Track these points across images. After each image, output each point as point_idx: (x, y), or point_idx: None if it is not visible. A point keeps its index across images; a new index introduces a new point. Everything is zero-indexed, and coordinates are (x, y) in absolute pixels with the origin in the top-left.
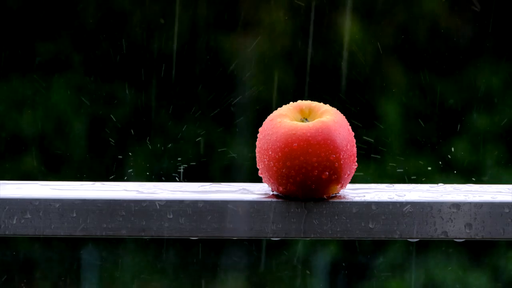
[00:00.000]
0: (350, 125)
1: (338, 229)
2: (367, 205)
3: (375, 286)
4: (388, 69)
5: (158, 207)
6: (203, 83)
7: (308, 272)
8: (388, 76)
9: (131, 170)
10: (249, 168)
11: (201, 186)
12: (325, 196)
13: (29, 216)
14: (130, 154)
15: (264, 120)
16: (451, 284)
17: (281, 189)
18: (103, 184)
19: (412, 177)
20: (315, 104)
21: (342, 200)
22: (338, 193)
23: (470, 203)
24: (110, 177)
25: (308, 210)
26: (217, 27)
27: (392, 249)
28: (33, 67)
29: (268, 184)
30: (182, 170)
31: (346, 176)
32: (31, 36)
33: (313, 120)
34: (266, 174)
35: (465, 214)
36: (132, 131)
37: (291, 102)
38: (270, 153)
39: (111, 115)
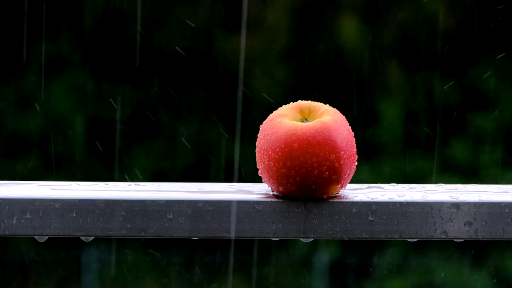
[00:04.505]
0: (349, 125)
1: (338, 229)
2: (367, 205)
3: (375, 286)
4: (387, 69)
5: (158, 207)
6: (203, 83)
7: (308, 272)
8: (388, 76)
9: (131, 170)
10: (249, 168)
11: (201, 186)
12: (325, 196)
13: (29, 216)
14: (130, 154)
15: (264, 120)
16: (451, 284)
17: (281, 189)
18: (104, 184)
19: (412, 177)
20: (315, 104)
21: (342, 200)
22: (338, 193)
23: (470, 203)
24: (110, 177)
25: (308, 210)
26: (218, 27)
27: (392, 249)
28: (33, 66)
29: (268, 184)
30: (182, 170)
31: (346, 176)
32: (32, 36)
33: (313, 120)
34: (266, 174)
35: (465, 214)
36: (132, 131)
37: (291, 102)
38: (270, 153)
39: (111, 115)
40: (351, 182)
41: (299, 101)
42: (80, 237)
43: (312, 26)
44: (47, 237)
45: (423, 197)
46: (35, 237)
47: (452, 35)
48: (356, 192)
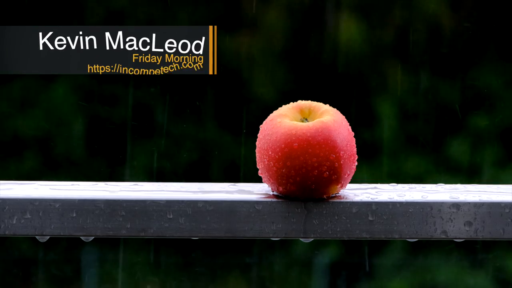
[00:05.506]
0: (349, 125)
1: (338, 229)
2: (367, 205)
3: (375, 286)
4: (387, 69)
5: (158, 207)
6: (203, 82)
7: (308, 272)
8: (388, 76)
9: (131, 170)
10: (249, 168)
11: (201, 186)
12: (325, 196)
13: (29, 216)
14: (130, 154)
15: (264, 120)
16: (451, 284)
17: (281, 189)
18: (104, 184)
19: (412, 177)
20: (315, 104)
21: (342, 200)
22: (338, 193)
23: (470, 203)
24: (110, 177)
25: (308, 210)
26: (217, 26)
27: (392, 249)
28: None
29: (268, 184)
30: (182, 170)
31: (346, 176)
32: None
33: (313, 120)
34: (266, 174)
35: (465, 214)
36: (132, 131)
37: (291, 102)
38: (270, 153)
39: (111, 115)
40: (351, 182)
41: (299, 101)
42: (80, 237)
43: (312, 26)
44: (48, 237)
45: (423, 197)
46: (36, 237)
47: (452, 34)
48: (356, 192)
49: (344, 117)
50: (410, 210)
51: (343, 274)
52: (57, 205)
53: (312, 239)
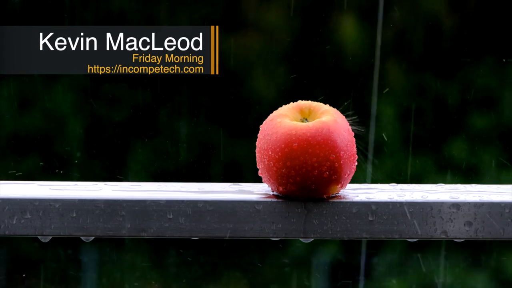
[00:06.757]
0: (349, 125)
1: (338, 229)
2: (367, 205)
3: (375, 286)
4: (387, 68)
5: (158, 207)
6: (202, 82)
7: (308, 272)
8: (388, 75)
9: (131, 170)
10: (249, 168)
11: (201, 186)
12: (325, 196)
13: (29, 216)
14: (130, 154)
15: (264, 120)
16: (451, 285)
17: (281, 189)
18: (103, 184)
19: (412, 177)
20: (315, 104)
21: (342, 200)
22: (338, 193)
23: (470, 203)
24: (110, 177)
25: (308, 210)
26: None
27: (391, 249)
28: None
29: (268, 184)
30: (182, 170)
31: (346, 176)
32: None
33: (313, 120)
34: (266, 174)
35: (465, 214)
36: (132, 131)
37: (291, 102)
38: (270, 153)
39: (111, 115)
40: (351, 182)
41: (299, 101)
42: (80, 237)
43: (312, 26)
44: (51, 237)
45: (423, 197)
46: (39, 237)
47: (452, 34)
48: (356, 192)
49: (344, 117)
50: (410, 210)
51: (343, 274)
52: (57, 205)
53: (312, 239)
